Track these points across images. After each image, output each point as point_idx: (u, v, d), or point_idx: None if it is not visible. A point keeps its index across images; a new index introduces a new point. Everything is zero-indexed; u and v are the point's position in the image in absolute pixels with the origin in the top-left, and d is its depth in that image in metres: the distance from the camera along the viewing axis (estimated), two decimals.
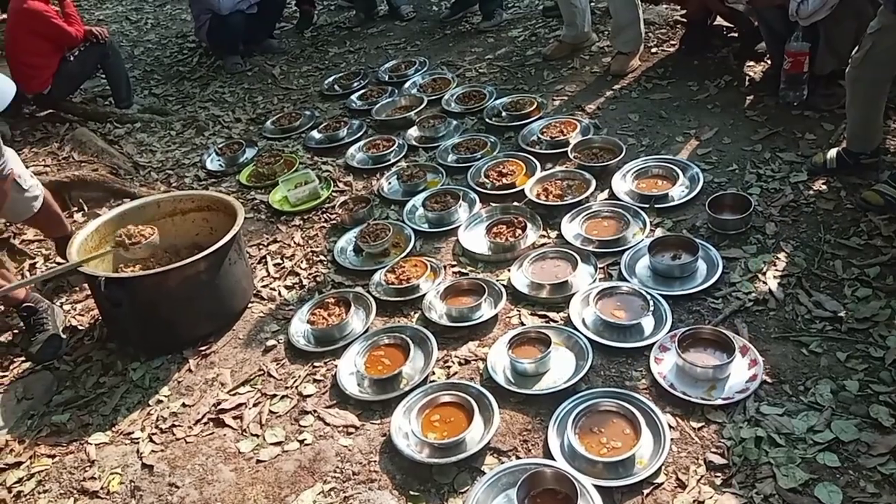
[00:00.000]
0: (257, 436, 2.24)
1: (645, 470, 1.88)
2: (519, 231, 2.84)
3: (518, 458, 2.00)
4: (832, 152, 2.87)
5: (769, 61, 3.70)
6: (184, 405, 2.41)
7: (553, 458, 1.95)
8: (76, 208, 3.54)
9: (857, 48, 2.63)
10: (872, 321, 2.21)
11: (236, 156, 3.96)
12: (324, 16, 6.24)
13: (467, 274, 2.77)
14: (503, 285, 2.63)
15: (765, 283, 2.44)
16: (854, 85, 2.65)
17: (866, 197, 2.68)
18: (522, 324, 2.47)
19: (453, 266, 2.85)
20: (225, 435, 2.27)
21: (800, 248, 2.56)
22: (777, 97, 3.39)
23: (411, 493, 1.96)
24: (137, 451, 2.26)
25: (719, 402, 2.04)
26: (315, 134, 4.08)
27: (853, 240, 2.55)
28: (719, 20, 4.20)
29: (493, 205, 3.11)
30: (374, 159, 3.68)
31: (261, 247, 3.22)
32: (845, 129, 2.89)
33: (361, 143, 3.85)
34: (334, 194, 3.49)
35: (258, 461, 2.15)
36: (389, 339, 2.47)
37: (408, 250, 2.94)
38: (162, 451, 2.25)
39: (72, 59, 4.39)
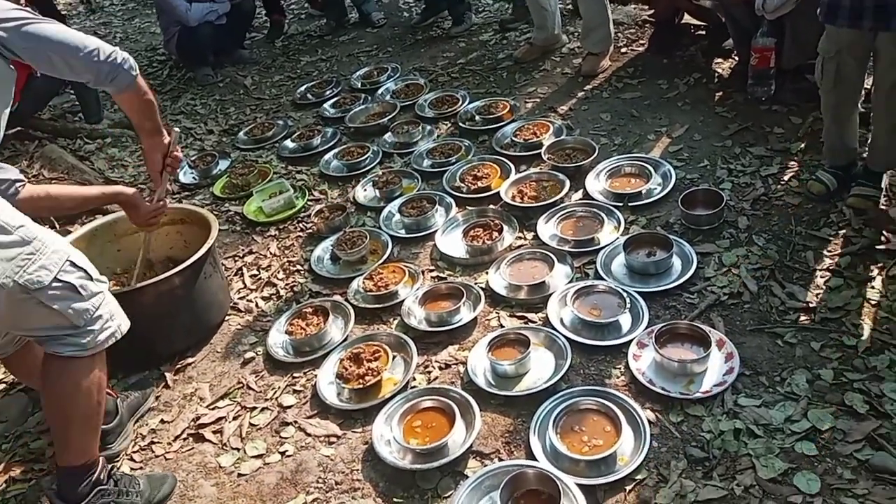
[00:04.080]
0: (238, 449, 2.22)
1: (627, 466, 1.89)
2: (495, 234, 2.85)
3: (501, 460, 2.00)
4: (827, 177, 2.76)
5: (737, 58, 3.75)
6: (162, 421, 2.38)
7: (535, 459, 1.95)
8: (47, 226, 3.48)
9: (818, 75, 2.60)
10: (845, 310, 2.24)
11: (209, 168, 3.93)
12: (294, 25, 6.22)
13: (445, 278, 2.77)
14: (481, 288, 2.64)
15: (739, 276, 2.46)
16: (835, 110, 2.62)
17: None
18: (501, 326, 2.48)
19: (431, 271, 2.84)
20: (205, 450, 2.25)
21: (772, 241, 2.60)
22: (745, 93, 3.44)
23: (395, 499, 1.95)
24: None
25: (698, 395, 2.05)
26: (289, 143, 4.07)
27: (824, 231, 2.58)
28: (687, 19, 4.26)
29: (469, 208, 3.12)
30: (349, 167, 3.67)
31: (236, 258, 3.19)
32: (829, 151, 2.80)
33: (336, 150, 3.84)
34: (309, 203, 3.48)
35: (240, 475, 2.13)
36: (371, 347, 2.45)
37: (385, 257, 2.94)
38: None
39: (39, 74, 4.32)
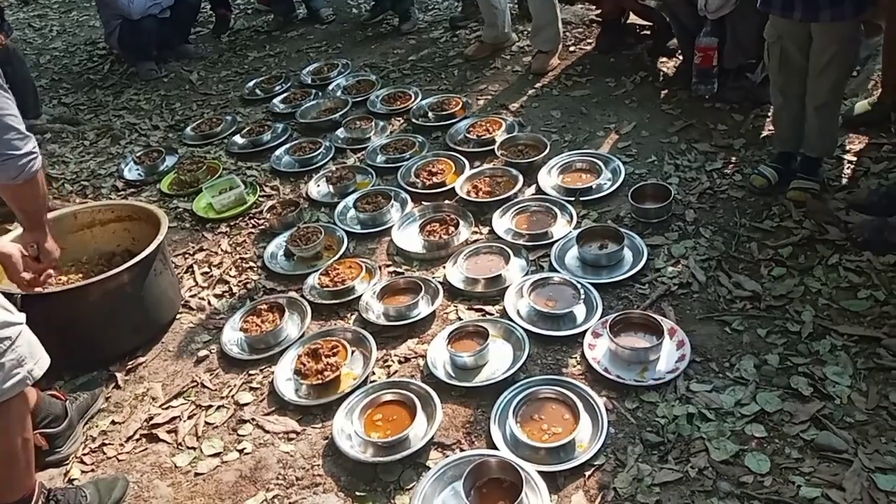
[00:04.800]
0: (194, 448, 2.17)
1: (585, 453, 1.93)
2: (452, 228, 2.86)
3: (462, 450, 2.01)
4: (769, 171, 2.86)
5: (681, 57, 3.87)
6: (113, 422, 2.31)
7: (496, 448, 1.97)
8: None
9: (765, 58, 2.75)
10: (788, 298, 2.34)
11: (156, 164, 3.82)
12: (241, 20, 6.11)
13: (403, 273, 2.77)
14: (439, 282, 2.65)
15: (687, 267, 2.54)
16: (782, 91, 2.74)
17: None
18: (460, 318, 2.49)
19: (388, 266, 2.84)
20: (159, 450, 2.19)
21: (718, 233, 2.69)
22: (690, 91, 3.55)
23: (357, 493, 1.95)
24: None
25: (651, 382, 2.11)
26: (238, 139, 3.99)
27: (766, 223, 2.69)
28: (633, 18, 4.36)
29: (425, 204, 3.12)
30: (301, 162, 3.63)
31: (187, 256, 3.12)
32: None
33: (287, 146, 3.79)
34: (261, 199, 3.43)
35: (196, 474, 2.08)
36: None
37: (341, 252, 2.92)
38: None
39: None
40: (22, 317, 1.76)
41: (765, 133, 3.23)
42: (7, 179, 1.88)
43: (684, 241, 2.67)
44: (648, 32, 4.28)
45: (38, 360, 1.76)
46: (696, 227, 2.73)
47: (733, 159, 3.10)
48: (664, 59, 4.02)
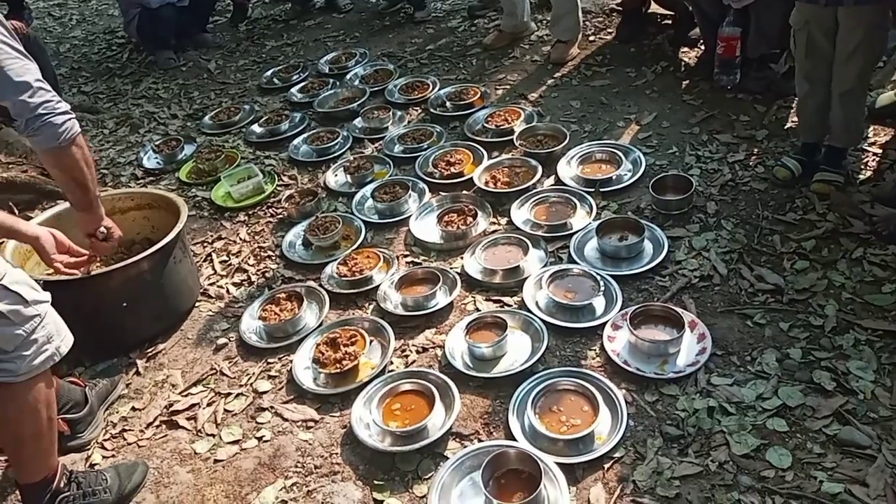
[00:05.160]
0: (213, 435, 2.19)
1: (604, 445, 1.92)
2: (470, 219, 2.85)
3: (480, 441, 2.01)
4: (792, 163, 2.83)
5: (703, 46, 3.82)
6: (133, 409, 2.33)
7: (515, 439, 1.97)
8: (6, 212, 3.36)
9: (792, 46, 2.71)
10: (811, 291, 2.31)
11: (174, 153, 3.84)
12: (258, 9, 6.11)
13: (420, 263, 2.77)
14: (457, 273, 2.64)
15: (709, 259, 2.52)
16: (808, 78, 2.69)
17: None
18: (478, 309, 2.49)
19: (406, 256, 2.84)
20: (179, 436, 2.21)
21: (740, 225, 2.66)
22: (712, 81, 3.50)
23: (375, 482, 1.95)
24: (86, 459, 2.17)
25: (671, 375, 2.09)
26: (256, 128, 4.00)
27: (790, 215, 2.65)
28: (654, 7, 4.31)
29: (443, 194, 3.11)
30: (319, 152, 3.63)
31: (205, 244, 3.13)
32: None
33: (305, 135, 3.79)
34: (279, 188, 3.43)
35: (216, 461, 2.10)
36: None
37: (359, 242, 2.92)
38: (113, 456, 2.17)
39: None
40: (48, 295, 1.79)
41: (788, 124, 3.19)
42: (50, 143, 1.82)
43: (705, 233, 2.64)
44: (670, 22, 4.23)
45: (63, 337, 1.80)
46: (718, 219, 2.70)
47: (756, 151, 3.05)
48: (686, 49, 3.97)
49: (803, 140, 2.86)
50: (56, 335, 1.78)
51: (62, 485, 1.86)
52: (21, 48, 1.80)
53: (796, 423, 1.91)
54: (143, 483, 2.05)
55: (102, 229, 2.14)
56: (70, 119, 1.85)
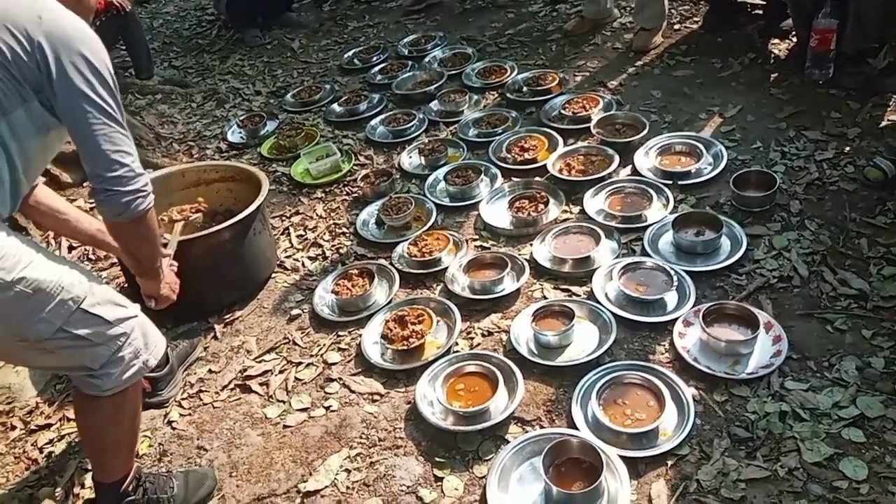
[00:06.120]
0: (283, 402, 2.27)
1: (669, 441, 1.90)
2: (541, 206, 2.84)
3: (542, 427, 2.02)
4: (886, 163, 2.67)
5: (795, 38, 3.66)
6: (210, 371, 2.44)
7: (577, 429, 1.97)
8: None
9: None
10: None
11: (257, 128, 3.96)
12: None
13: (489, 248, 2.78)
14: (525, 259, 2.64)
15: (789, 260, 2.43)
16: None
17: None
18: (545, 297, 2.48)
19: (475, 240, 2.85)
20: (251, 400, 2.31)
21: (825, 227, 2.55)
22: (802, 75, 3.36)
23: (437, 459, 1.99)
24: (165, 416, 2.30)
25: (743, 376, 2.05)
26: (335, 107, 4.08)
27: (879, 218, 2.53)
28: None
29: (515, 180, 3.11)
30: (395, 133, 3.68)
31: (283, 218, 3.24)
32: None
33: (382, 117, 3.85)
34: (355, 168, 3.50)
35: (285, 426, 2.18)
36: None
37: (429, 224, 2.95)
38: (190, 415, 2.29)
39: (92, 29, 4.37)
40: (136, 308, 1.77)
41: (884, 123, 3.03)
42: (111, 216, 1.67)
43: (787, 232, 2.55)
44: (760, 11, 4.06)
45: (152, 350, 1.79)
46: (801, 218, 2.60)
47: (846, 149, 2.92)
48: (776, 41, 3.81)
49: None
50: (144, 349, 1.76)
51: (130, 488, 1.89)
52: (121, 119, 1.65)
53: (874, 435, 1.84)
54: (210, 496, 2.02)
55: (152, 303, 2.03)
56: (137, 197, 1.65)
